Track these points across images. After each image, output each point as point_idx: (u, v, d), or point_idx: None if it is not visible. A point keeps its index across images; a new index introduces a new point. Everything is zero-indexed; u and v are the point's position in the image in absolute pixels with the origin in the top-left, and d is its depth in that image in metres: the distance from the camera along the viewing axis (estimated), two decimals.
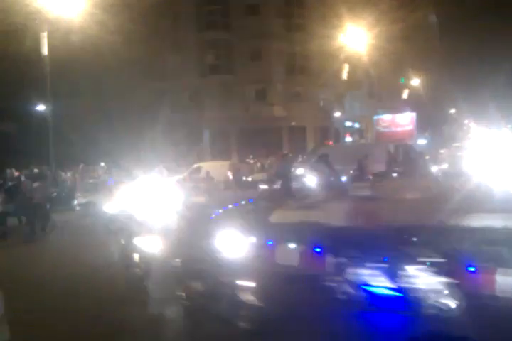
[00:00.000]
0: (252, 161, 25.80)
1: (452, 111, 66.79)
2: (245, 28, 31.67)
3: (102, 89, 31.45)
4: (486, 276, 5.78)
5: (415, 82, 45.59)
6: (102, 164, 25.02)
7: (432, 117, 49.15)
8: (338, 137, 37.36)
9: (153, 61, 31.81)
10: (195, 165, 20.78)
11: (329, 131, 36.54)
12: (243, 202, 13.79)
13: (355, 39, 30.03)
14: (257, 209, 11.98)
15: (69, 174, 22.25)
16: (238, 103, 32.38)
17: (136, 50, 28.54)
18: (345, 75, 34.22)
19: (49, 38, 20.90)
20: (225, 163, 19.31)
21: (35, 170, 21.92)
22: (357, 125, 40.42)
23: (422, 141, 43.11)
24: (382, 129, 41.44)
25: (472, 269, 5.84)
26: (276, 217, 10.02)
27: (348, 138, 38.09)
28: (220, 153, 30.44)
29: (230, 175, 17.87)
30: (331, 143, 26.86)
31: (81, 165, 23.69)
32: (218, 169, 17.60)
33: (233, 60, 32.58)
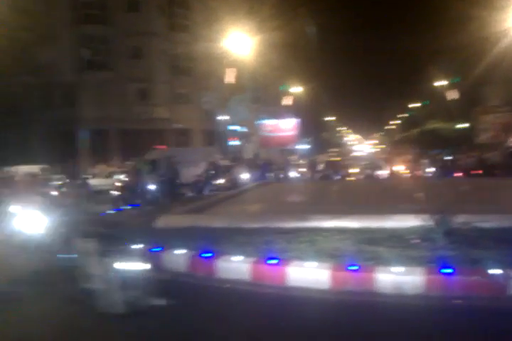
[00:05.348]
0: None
1: (331, 118, 70.92)
2: (125, 24, 30.25)
3: None
4: (367, 274, 5.67)
5: (297, 89, 47.15)
6: None
7: (313, 124, 51.57)
8: (222, 140, 37.30)
9: (24, 53, 28.85)
10: (6, 169, 19.12)
11: (214, 134, 36.31)
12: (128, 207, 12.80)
13: (240, 44, 30.14)
14: (142, 214, 11.16)
15: None
16: (118, 102, 30.63)
17: (4, 40, 25.69)
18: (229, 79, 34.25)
19: None
20: (35, 167, 18.01)
21: None
22: (242, 129, 40.75)
23: (305, 146, 45.03)
24: (266, 134, 42.35)
25: (355, 268, 5.71)
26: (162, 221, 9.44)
27: (234, 142, 38.26)
28: (99, 155, 28.60)
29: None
30: (163, 147, 26.32)
31: None
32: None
33: (112, 57, 30.80)
